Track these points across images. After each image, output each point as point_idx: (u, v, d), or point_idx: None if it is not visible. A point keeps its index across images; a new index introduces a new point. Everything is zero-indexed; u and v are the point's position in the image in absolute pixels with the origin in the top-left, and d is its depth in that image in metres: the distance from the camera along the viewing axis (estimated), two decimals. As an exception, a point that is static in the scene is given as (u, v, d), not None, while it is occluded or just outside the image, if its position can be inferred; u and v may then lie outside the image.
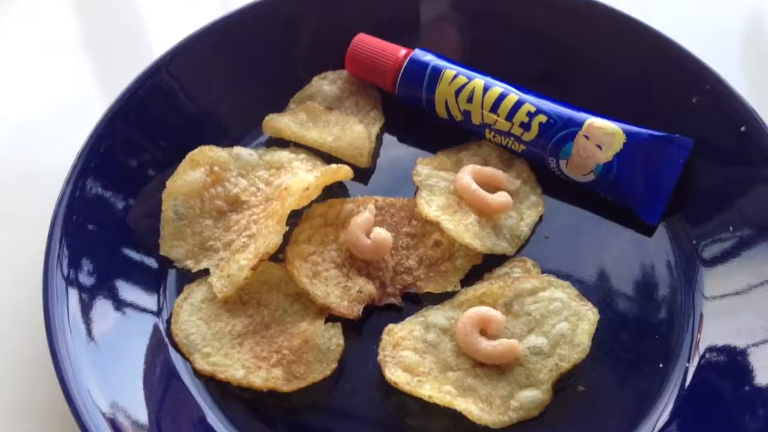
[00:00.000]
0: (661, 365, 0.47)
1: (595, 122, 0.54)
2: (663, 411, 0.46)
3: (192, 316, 0.48)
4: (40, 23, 0.69)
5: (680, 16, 0.67)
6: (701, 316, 0.49)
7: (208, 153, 0.53)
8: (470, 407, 0.44)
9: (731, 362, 0.46)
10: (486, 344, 0.46)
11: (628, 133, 0.53)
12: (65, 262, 0.47)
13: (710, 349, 0.47)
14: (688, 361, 0.47)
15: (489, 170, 0.54)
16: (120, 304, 0.48)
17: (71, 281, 0.46)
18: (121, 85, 0.54)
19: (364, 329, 0.49)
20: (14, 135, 0.61)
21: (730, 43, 0.67)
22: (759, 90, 0.59)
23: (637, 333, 0.49)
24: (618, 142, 0.53)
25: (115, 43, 0.68)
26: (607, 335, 0.48)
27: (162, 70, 0.55)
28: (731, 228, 0.51)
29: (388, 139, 0.58)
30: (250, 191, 0.53)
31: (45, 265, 0.46)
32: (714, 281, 0.50)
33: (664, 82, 0.56)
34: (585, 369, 0.46)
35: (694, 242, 0.52)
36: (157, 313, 0.49)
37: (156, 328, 0.48)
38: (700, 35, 0.59)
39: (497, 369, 0.46)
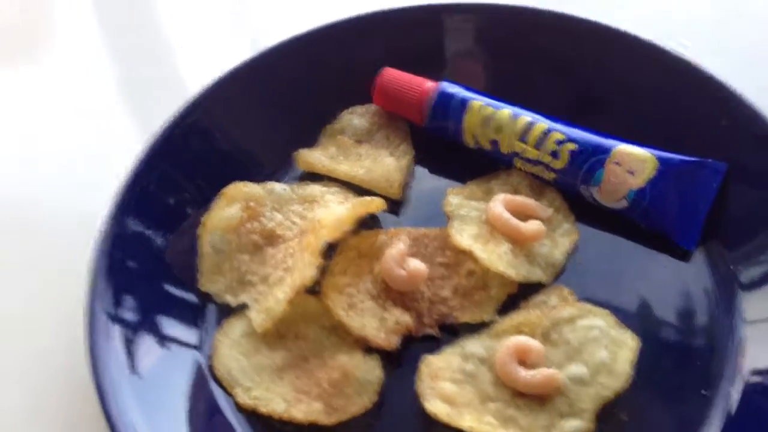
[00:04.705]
0: (704, 392, 0.47)
1: (625, 149, 0.54)
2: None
3: (232, 350, 0.48)
4: (76, 65, 0.71)
5: (707, 39, 0.67)
6: (742, 340, 0.49)
7: (242, 189, 0.54)
8: (512, 438, 0.44)
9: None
10: (525, 374, 0.46)
11: (660, 159, 0.53)
12: (108, 300, 0.47)
13: (754, 373, 0.47)
14: (732, 386, 0.47)
15: (521, 199, 0.54)
16: (162, 340, 0.48)
17: (114, 319, 0.47)
18: (156, 125, 0.55)
19: (402, 360, 0.49)
20: (52, 176, 0.62)
21: (759, 65, 0.67)
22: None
23: (679, 359, 0.48)
24: (650, 168, 0.53)
25: (150, 84, 0.69)
26: (648, 363, 0.47)
27: (197, 109, 0.57)
28: (768, 253, 0.51)
29: (419, 170, 0.59)
30: (285, 225, 0.54)
31: (88, 304, 0.46)
32: (754, 305, 0.49)
33: (694, 109, 0.56)
34: (627, 397, 0.46)
35: (732, 267, 0.52)
36: (199, 348, 0.49)
37: (197, 362, 0.48)
38: (727, 57, 0.59)
39: (537, 399, 0.46)
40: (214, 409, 0.46)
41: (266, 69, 0.60)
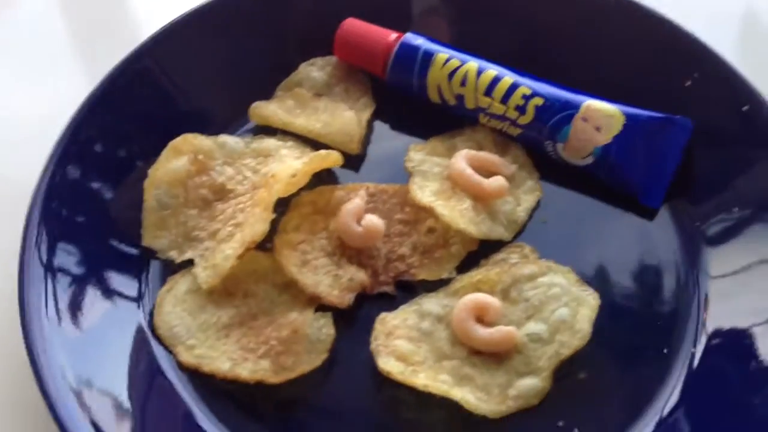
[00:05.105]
0: (665, 350, 0.46)
1: (593, 104, 0.52)
2: (669, 397, 0.44)
3: (176, 307, 0.46)
4: (20, 12, 0.67)
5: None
6: (706, 297, 0.47)
7: (191, 141, 0.51)
8: (467, 396, 0.42)
9: (739, 343, 0.44)
10: (483, 332, 0.44)
11: (627, 115, 0.52)
12: (43, 251, 0.45)
13: (717, 331, 0.46)
14: (694, 345, 0.46)
15: (484, 155, 0.53)
16: (100, 296, 0.46)
17: (49, 271, 0.45)
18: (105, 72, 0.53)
19: (356, 319, 0.47)
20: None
21: (729, 24, 0.65)
22: (758, 71, 0.57)
23: (640, 318, 0.47)
24: (617, 124, 0.51)
25: (100, 31, 0.66)
26: (609, 321, 0.46)
27: (145, 55, 0.54)
28: (735, 208, 0.49)
29: (380, 126, 0.57)
30: (236, 180, 0.51)
31: (21, 256, 0.44)
32: (719, 262, 0.48)
33: (663, 62, 0.54)
34: (586, 356, 0.44)
35: (697, 224, 0.50)
36: (140, 306, 0.47)
37: (138, 320, 0.46)
38: (697, 15, 0.57)
39: (495, 357, 0.44)
40: (154, 369, 0.44)
41: (222, 15, 0.57)
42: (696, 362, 0.45)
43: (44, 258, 0.45)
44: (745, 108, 0.51)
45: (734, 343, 0.45)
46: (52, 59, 0.64)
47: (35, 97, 0.60)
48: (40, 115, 0.58)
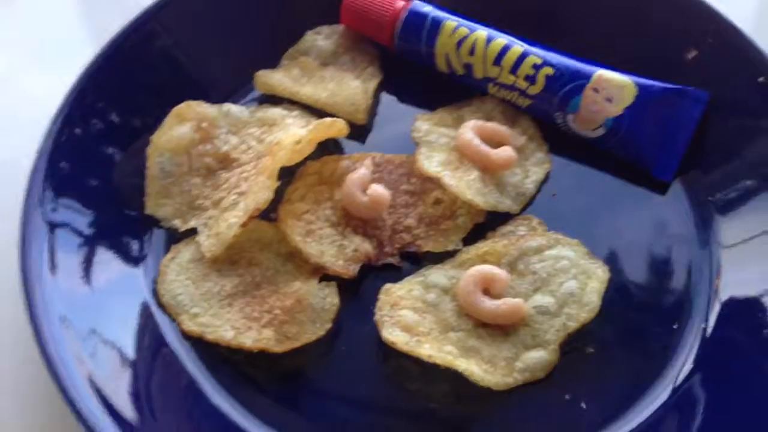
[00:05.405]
0: (675, 326, 0.45)
1: (604, 74, 0.51)
2: (678, 374, 0.43)
3: (179, 276, 0.46)
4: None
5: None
6: (719, 267, 0.47)
7: (195, 108, 0.50)
8: (472, 368, 0.41)
9: (751, 312, 0.44)
10: (489, 303, 0.43)
11: (639, 86, 0.50)
12: (47, 209, 0.45)
13: (730, 300, 0.45)
14: (705, 320, 0.45)
15: (492, 125, 0.52)
16: (103, 265, 0.45)
17: (51, 234, 0.44)
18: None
19: (360, 290, 0.47)
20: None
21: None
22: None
23: (650, 292, 0.47)
24: (629, 95, 0.50)
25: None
26: (619, 296, 0.46)
27: (151, 21, 0.53)
28: (748, 178, 0.48)
29: (387, 96, 0.56)
30: (240, 149, 0.50)
31: (23, 216, 0.44)
32: (731, 231, 0.47)
33: (678, 31, 0.53)
34: (595, 330, 0.44)
35: (710, 193, 0.49)
36: (143, 274, 0.47)
37: (141, 289, 0.46)
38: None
39: (501, 330, 0.44)
40: (158, 337, 0.44)
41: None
42: (708, 333, 0.44)
43: (47, 219, 0.45)
44: (761, 79, 0.49)
45: (746, 313, 0.44)
46: (60, 38, 0.63)
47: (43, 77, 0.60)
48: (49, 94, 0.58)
